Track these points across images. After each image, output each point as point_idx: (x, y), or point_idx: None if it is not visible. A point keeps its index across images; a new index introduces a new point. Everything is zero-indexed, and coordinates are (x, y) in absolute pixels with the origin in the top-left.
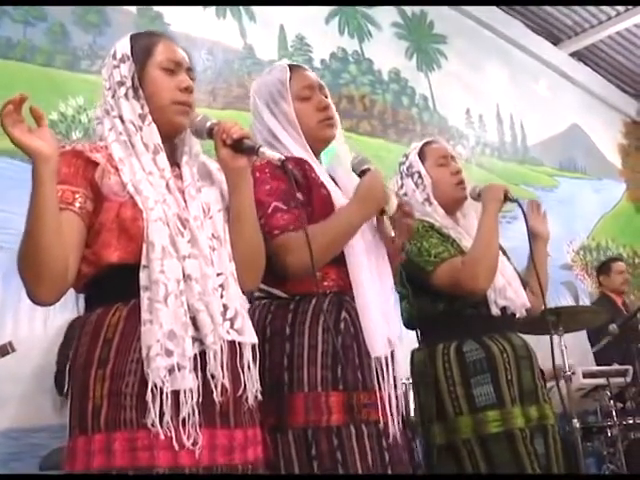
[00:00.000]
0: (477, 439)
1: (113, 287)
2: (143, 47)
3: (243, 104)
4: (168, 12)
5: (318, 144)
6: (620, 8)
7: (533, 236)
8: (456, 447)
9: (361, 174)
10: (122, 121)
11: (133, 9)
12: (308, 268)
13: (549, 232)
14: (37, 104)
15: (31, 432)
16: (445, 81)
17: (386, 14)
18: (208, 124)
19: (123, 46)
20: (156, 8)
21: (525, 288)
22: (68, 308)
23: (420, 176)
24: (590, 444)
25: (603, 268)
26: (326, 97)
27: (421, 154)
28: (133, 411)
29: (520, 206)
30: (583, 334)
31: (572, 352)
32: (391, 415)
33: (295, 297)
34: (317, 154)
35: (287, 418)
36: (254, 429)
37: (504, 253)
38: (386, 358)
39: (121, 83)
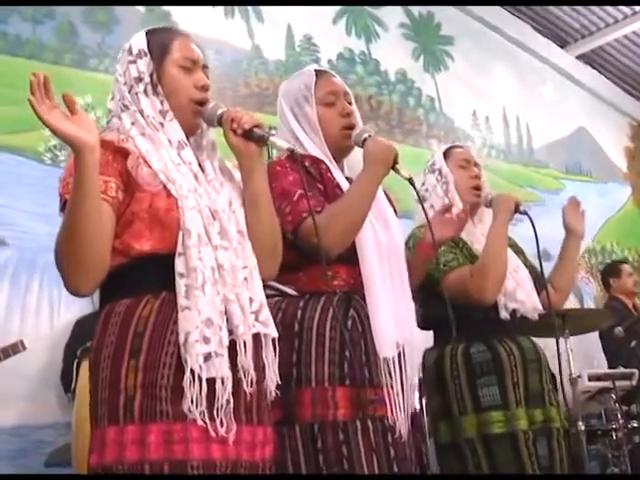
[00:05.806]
0: (480, 438)
1: (141, 278)
2: (160, 43)
3: (249, 104)
4: (176, 11)
5: (339, 151)
6: (627, 11)
7: (568, 232)
8: (460, 446)
9: (363, 145)
10: (143, 116)
11: (141, 8)
12: (338, 246)
13: (584, 230)
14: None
15: (37, 429)
16: (452, 82)
17: (393, 15)
18: (219, 112)
19: (139, 42)
20: (164, 7)
21: (540, 292)
22: (73, 306)
23: (441, 173)
24: (594, 447)
25: (613, 271)
26: (350, 104)
27: (446, 154)
28: (169, 403)
29: (530, 219)
30: (590, 338)
31: (576, 356)
32: (397, 412)
33: (305, 295)
34: (338, 160)
35: (295, 412)
36: (270, 428)
37: (521, 254)
38: (394, 358)
39: (139, 79)
